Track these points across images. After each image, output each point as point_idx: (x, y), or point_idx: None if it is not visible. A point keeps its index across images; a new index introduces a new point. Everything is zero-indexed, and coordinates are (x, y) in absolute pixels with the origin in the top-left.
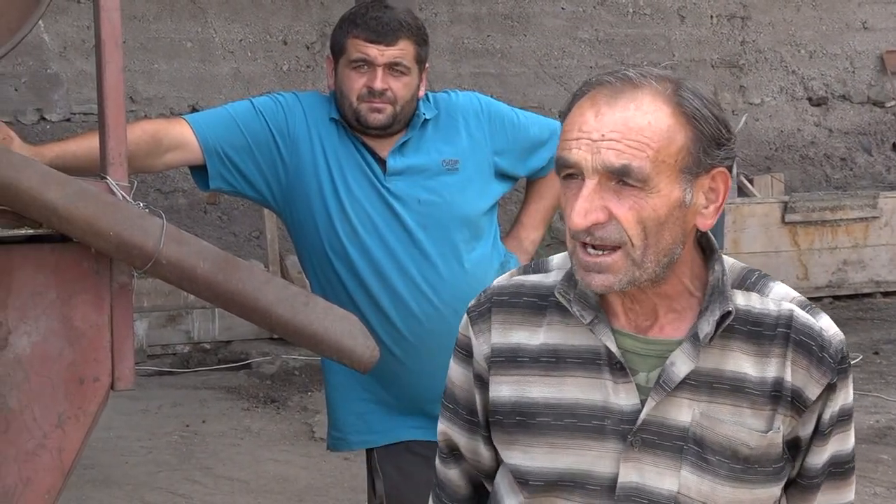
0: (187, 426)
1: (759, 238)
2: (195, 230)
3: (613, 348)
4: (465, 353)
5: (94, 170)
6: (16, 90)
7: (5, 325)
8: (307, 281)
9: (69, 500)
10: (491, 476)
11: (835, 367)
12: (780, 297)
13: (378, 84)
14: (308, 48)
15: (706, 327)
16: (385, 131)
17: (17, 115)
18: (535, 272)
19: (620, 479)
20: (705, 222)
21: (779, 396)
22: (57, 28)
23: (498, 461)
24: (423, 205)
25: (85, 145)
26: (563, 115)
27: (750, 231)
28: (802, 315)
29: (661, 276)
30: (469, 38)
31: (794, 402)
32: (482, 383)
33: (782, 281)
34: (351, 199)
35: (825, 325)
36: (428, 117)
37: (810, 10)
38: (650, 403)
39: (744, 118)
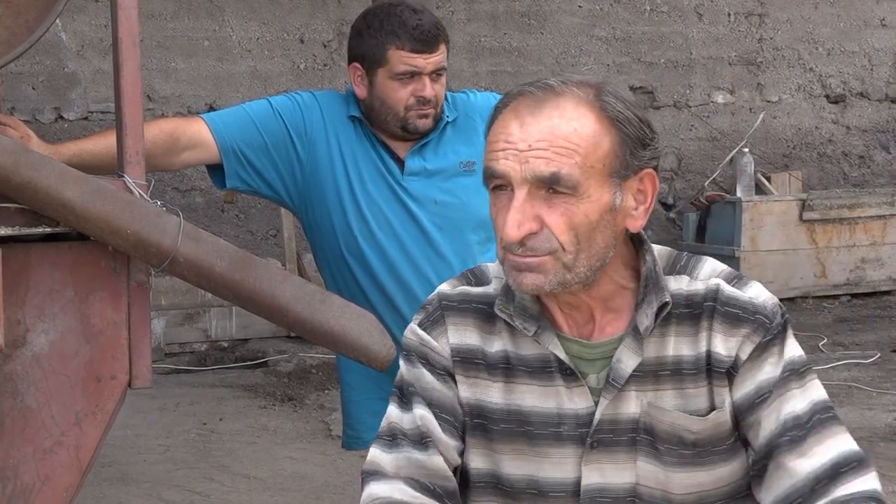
0: (204, 424)
1: (777, 236)
2: (212, 228)
3: (562, 356)
4: (424, 360)
5: (112, 168)
6: (33, 88)
7: (23, 323)
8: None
9: (87, 497)
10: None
11: (767, 326)
12: (708, 275)
13: (428, 92)
14: (325, 46)
15: (645, 320)
16: (427, 134)
17: (34, 114)
18: (476, 284)
19: (584, 483)
20: (635, 223)
21: (711, 369)
22: (74, 27)
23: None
24: (440, 205)
25: (102, 144)
26: (487, 127)
27: (767, 229)
28: (727, 288)
29: (592, 279)
30: (486, 37)
31: (728, 371)
32: (453, 378)
33: (800, 279)
34: (367, 198)
35: (753, 293)
36: (449, 119)
37: (828, 8)
38: (603, 403)
39: (761, 116)
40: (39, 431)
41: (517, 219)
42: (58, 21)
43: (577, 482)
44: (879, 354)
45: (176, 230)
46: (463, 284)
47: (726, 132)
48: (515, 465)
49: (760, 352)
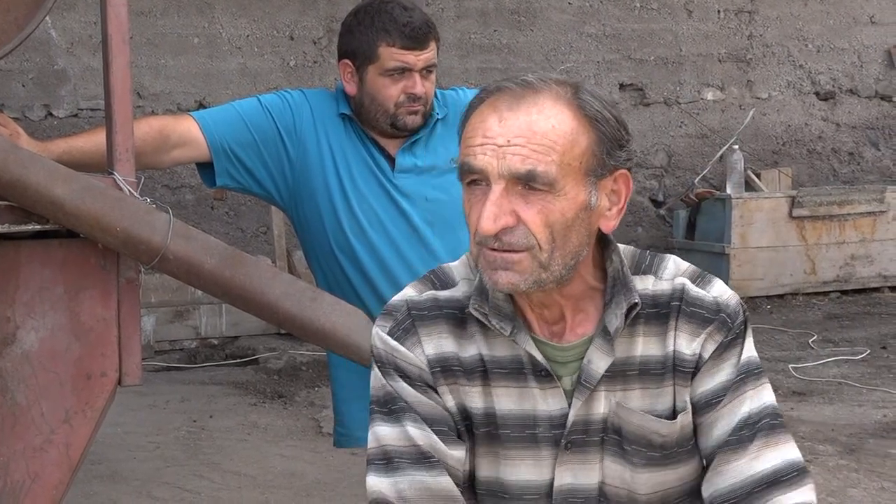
0: (195, 421)
1: (767, 233)
2: (202, 226)
3: (538, 356)
4: (399, 372)
5: (102, 166)
6: (23, 86)
7: (13, 321)
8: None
9: (77, 495)
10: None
11: (730, 326)
12: (673, 274)
13: (419, 89)
14: (315, 43)
15: (615, 321)
16: (417, 132)
17: (24, 111)
18: (442, 287)
19: (556, 483)
20: (609, 224)
21: (676, 369)
22: (64, 24)
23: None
24: (431, 202)
25: (92, 141)
26: (462, 122)
27: (757, 226)
28: (692, 288)
29: (566, 278)
30: (476, 33)
31: (691, 370)
32: (434, 389)
33: (790, 275)
34: (358, 196)
35: (716, 291)
36: (440, 116)
37: (818, 5)
38: (576, 404)
39: (751, 113)
40: (29, 429)
41: (493, 212)
42: (47, 18)
43: (550, 484)
44: (869, 351)
45: (166, 227)
46: (429, 289)
47: (716, 129)
48: (488, 468)
49: (722, 351)
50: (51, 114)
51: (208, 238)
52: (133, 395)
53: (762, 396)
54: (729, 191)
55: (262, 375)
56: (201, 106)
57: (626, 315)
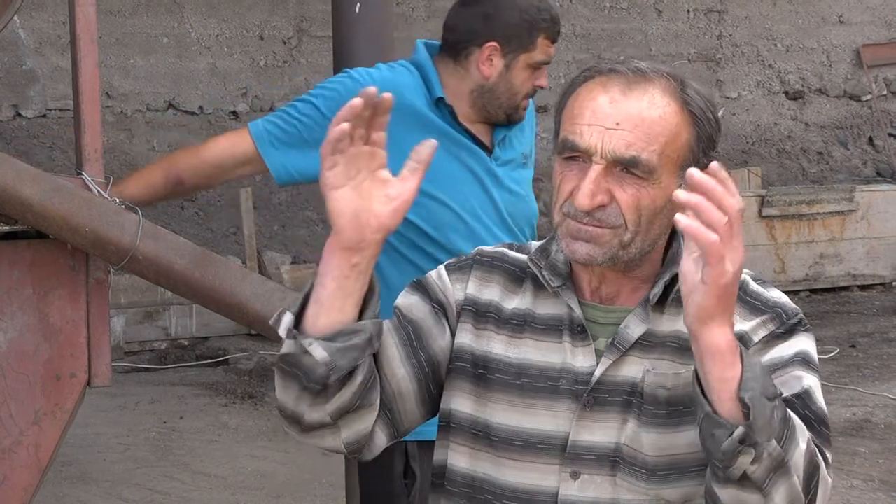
0: (165, 423)
1: None
2: (172, 226)
3: (577, 310)
4: (423, 287)
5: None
6: None
7: None
8: (285, 277)
9: (46, 497)
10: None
11: (784, 319)
12: None
13: (545, 83)
14: (285, 43)
15: (655, 289)
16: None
17: None
18: (517, 251)
19: (572, 437)
20: None
21: None
22: (32, 24)
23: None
24: (512, 195)
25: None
26: (566, 97)
27: None
28: (753, 284)
29: (637, 262)
30: None
31: None
32: (443, 313)
33: (759, 274)
34: (450, 187)
35: (775, 294)
36: None
37: (787, 5)
38: (604, 363)
39: (721, 112)
40: None
41: (591, 189)
42: (16, 18)
43: (566, 437)
44: (838, 350)
45: (135, 228)
46: (504, 248)
47: None
48: (504, 415)
49: (771, 338)
50: (19, 114)
51: (178, 238)
52: (103, 397)
53: (818, 390)
54: None
55: (233, 376)
56: (171, 105)
57: (668, 286)
